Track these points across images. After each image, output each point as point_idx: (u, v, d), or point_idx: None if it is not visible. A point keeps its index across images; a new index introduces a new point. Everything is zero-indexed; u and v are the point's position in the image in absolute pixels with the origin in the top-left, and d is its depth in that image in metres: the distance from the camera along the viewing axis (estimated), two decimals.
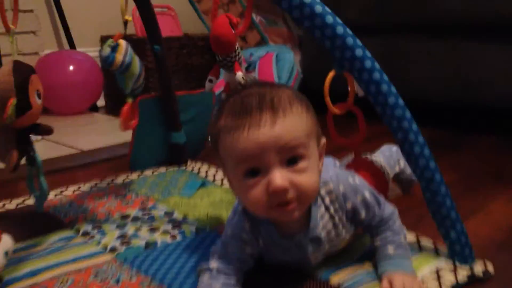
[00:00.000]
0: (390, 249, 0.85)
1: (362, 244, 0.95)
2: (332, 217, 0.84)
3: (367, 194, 0.85)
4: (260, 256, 0.87)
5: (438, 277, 0.84)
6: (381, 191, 0.89)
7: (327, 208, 0.84)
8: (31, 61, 2.35)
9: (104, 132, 2.09)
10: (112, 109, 2.55)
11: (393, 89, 0.85)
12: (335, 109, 0.90)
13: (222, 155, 0.78)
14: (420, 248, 0.96)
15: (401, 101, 0.85)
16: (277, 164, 0.72)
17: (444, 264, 0.89)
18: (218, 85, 1.98)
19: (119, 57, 1.19)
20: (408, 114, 0.85)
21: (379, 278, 0.84)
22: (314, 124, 0.78)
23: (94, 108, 2.54)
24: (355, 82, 0.85)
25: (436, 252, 0.93)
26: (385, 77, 0.84)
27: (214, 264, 0.83)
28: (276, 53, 2.43)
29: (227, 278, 0.81)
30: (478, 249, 0.91)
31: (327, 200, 0.84)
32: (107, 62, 1.19)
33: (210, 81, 1.27)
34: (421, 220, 1.13)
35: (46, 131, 1.04)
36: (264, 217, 0.80)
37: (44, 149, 1.85)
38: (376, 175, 0.96)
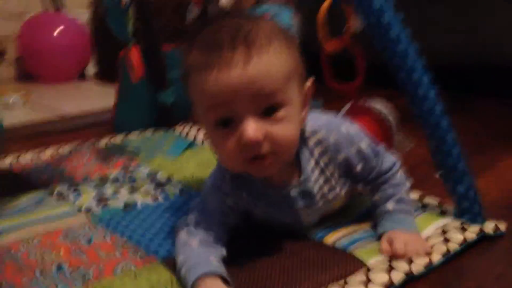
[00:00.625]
0: (390, 205, 0.76)
1: (361, 203, 0.86)
2: (322, 170, 0.75)
3: (363, 145, 0.75)
4: (246, 214, 0.78)
5: (445, 236, 0.75)
6: (384, 139, 0.79)
7: (317, 161, 0.74)
8: (15, 24, 2.25)
9: (91, 98, 2.00)
10: (103, 76, 2.44)
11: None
12: (329, 46, 0.80)
13: (192, 98, 0.68)
14: (424, 207, 0.87)
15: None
16: (251, 112, 0.63)
17: (451, 222, 0.80)
18: None
19: None
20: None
21: (378, 237, 0.76)
22: (297, 64, 0.67)
23: (83, 76, 2.44)
24: (353, 15, 0.75)
25: (442, 212, 0.85)
26: (390, 7, 0.74)
27: (192, 219, 0.74)
28: (273, 13, 2.31)
29: (205, 234, 0.72)
30: (488, 210, 0.82)
31: (316, 151, 0.74)
32: None
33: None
34: (425, 180, 1.05)
35: None
36: (240, 170, 0.69)
37: (26, 114, 1.76)
38: (376, 121, 0.86)
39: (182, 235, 0.73)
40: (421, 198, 0.89)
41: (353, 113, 0.86)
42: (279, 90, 0.63)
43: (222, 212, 0.75)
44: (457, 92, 1.87)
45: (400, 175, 0.78)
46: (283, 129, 0.64)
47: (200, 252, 0.69)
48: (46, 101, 1.90)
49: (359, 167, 0.76)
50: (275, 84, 0.63)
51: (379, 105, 0.90)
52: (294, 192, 0.74)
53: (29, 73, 2.29)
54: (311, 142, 0.74)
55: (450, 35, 1.85)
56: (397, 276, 0.66)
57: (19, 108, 1.82)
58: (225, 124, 0.64)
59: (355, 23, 0.81)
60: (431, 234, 0.77)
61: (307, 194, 0.75)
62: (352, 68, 0.89)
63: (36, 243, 0.79)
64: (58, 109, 1.78)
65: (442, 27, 1.86)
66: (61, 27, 2.20)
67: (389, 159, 0.78)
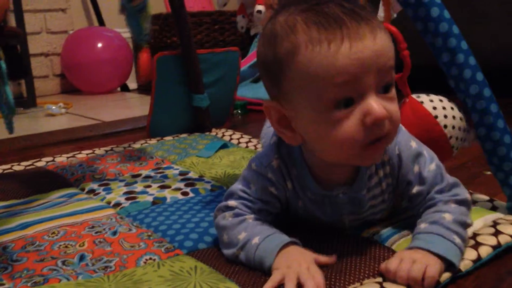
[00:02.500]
0: (422, 225, 0.64)
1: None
2: (380, 181, 0.69)
3: (428, 167, 0.67)
4: (286, 206, 0.73)
5: (496, 230, 0.67)
6: (434, 143, 0.72)
7: (376, 170, 0.68)
8: (60, 39, 2.32)
9: (131, 108, 2.02)
10: (145, 89, 2.48)
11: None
12: None
13: (296, 83, 0.59)
14: (473, 203, 0.79)
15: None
16: (373, 89, 0.58)
17: (502, 216, 0.72)
18: (245, 61, 1.86)
19: None
20: (457, 30, 0.70)
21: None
22: None
23: (125, 88, 2.48)
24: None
25: (494, 207, 0.77)
26: None
27: (234, 203, 0.69)
28: None
29: (255, 215, 0.68)
30: None
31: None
32: None
33: (259, 12, 1.14)
34: (475, 178, 0.97)
35: (11, 35, 0.91)
36: (344, 160, 0.62)
37: (67, 120, 1.79)
38: (423, 120, 0.79)
39: (230, 218, 0.68)
40: (470, 194, 0.82)
41: (403, 110, 0.79)
42: (393, 67, 0.60)
43: (263, 200, 0.70)
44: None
45: (456, 207, 0.65)
46: (396, 108, 0.60)
47: (265, 226, 0.67)
48: (87, 110, 1.94)
49: (415, 190, 0.68)
50: (393, 59, 0.59)
51: (434, 103, 0.82)
52: (343, 196, 0.68)
53: (73, 86, 2.35)
54: None
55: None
56: (444, 276, 0.59)
57: (61, 116, 1.86)
58: (346, 104, 0.58)
59: (392, 8, 0.76)
60: (480, 227, 0.69)
61: (356, 201, 0.69)
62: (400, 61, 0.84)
63: (61, 234, 0.77)
64: (97, 116, 1.80)
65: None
66: (103, 42, 2.25)
67: (457, 190, 0.67)
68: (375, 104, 0.57)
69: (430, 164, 0.68)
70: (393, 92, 0.60)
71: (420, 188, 0.67)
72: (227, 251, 0.67)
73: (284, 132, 0.65)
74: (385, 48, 0.58)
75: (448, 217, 0.63)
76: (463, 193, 0.66)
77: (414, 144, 0.69)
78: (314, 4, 0.59)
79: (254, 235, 0.65)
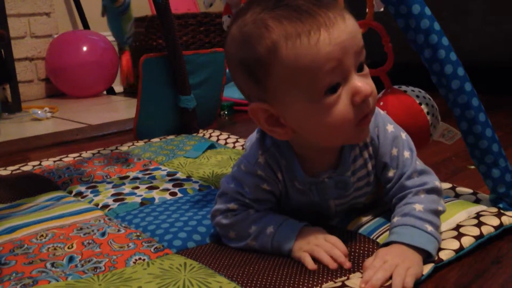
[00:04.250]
0: (395, 219, 0.66)
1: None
2: (365, 163, 0.71)
3: (404, 153, 0.69)
4: (278, 201, 0.74)
5: (479, 221, 0.69)
6: (417, 129, 0.74)
7: (361, 151, 0.70)
8: (45, 43, 2.30)
9: (117, 111, 2.01)
10: (130, 93, 2.47)
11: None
12: None
13: (283, 78, 0.60)
14: (457, 196, 0.81)
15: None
16: (354, 69, 0.61)
17: (486, 208, 0.74)
18: None
19: None
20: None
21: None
22: None
23: (111, 92, 2.47)
24: None
25: (477, 200, 0.79)
26: None
27: (233, 206, 0.71)
28: None
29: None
30: None
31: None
32: None
33: (229, 16, 1.15)
34: (458, 173, 0.99)
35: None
36: (341, 141, 0.66)
37: (53, 124, 1.78)
38: (410, 108, 0.81)
39: (232, 217, 0.70)
40: (453, 188, 0.83)
41: (386, 99, 0.81)
42: (363, 46, 0.62)
43: (259, 199, 0.71)
44: (491, 91, 1.80)
45: (425, 196, 0.67)
46: (372, 83, 0.63)
47: (273, 215, 0.70)
48: (73, 114, 1.93)
49: (391, 173, 0.70)
50: (362, 39, 0.62)
51: (415, 92, 0.84)
52: (328, 181, 0.70)
53: (58, 90, 2.34)
54: None
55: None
56: (425, 267, 0.60)
57: (46, 120, 1.85)
58: (333, 90, 0.60)
59: (375, 3, 0.77)
60: (463, 219, 0.71)
61: (341, 183, 0.70)
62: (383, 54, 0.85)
63: (49, 237, 0.77)
64: (84, 120, 1.79)
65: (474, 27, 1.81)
66: (88, 45, 2.24)
67: (425, 178, 0.69)
68: (360, 83, 0.60)
69: (406, 148, 0.70)
70: (366, 68, 0.63)
71: (394, 171, 0.69)
72: (236, 244, 0.70)
73: (274, 130, 0.65)
74: (356, 29, 0.61)
75: (418, 207, 0.65)
76: (431, 181, 0.68)
77: (391, 127, 0.71)
78: (278, 0, 0.60)
79: (266, 224, 0.68)
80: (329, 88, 0.59)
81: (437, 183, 0.68)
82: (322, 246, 0.64)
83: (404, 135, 0.71)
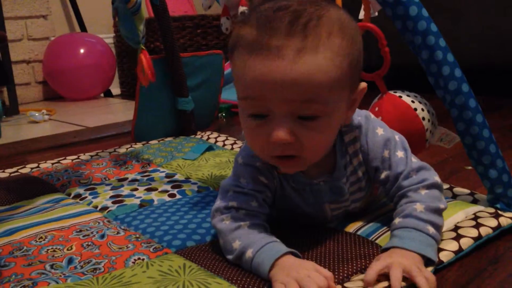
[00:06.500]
0: (397, 220, 0.65)
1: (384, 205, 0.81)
2: (355, 170, 0.71)
3: (396, 154, 0.68)
4: (273, 202, 0.73)
5: (477, 223, 0.69)
6: (414, 135, 0.74)
7: (350, 159, 0.70)
8: (42, 46, 2.30)
9: (115, 113, 2.01)
10: (128, 95, 2.47)
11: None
12: None
13: (233, 72, 0.63)
14: (454, 196, 0.81)
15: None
16: (286, 113, 0.58)
17: (483, 209, 0.74)
18: (229, 64, 1.86)
19: None
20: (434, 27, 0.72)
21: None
22: (354, 66, 0.60)
23: (108, 94, 2.47)
24: None
25: (475, 200, 0.79)
26: None
27: (232, 202, 0.69)
28: None
29: (253, 218, 0.67)
30: None
31: (350, 150, 0.70)
32: None
33: (243, 13, 1.15)
34: (456, 174, 0.99)
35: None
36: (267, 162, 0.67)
37: (51, 127, 1.78)
38: (405, 114, 0.81)
39: (227, 221, 0.68)
40: (450, 189, 0.84)
41: (381, 104, 0.81)
42: (320, 100, 0.57)
43: (256, 189, 0.69)
44: (490, 94, 1.81)
45: (426, 193, 0.66)
46: (314, 138, 0.60)
47: (260, 234, 0.64)
48: (71, 116, 1.93)
49: (383, 175, 0.69)
50: (318, 91, 0.57)
51: (411, 97, 0.85)
52: (324, 185, 0.70)
53: (56, 93, 2.33)
54: (347, 138, 0.70)
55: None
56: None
57: (44, 122, 1.85)
58: (258, 116, 0.60)
59: (372, 6, 0.78)
60: (461, 219, 0.71)
61: (337, 190, 0.70)
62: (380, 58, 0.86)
63: (48, 239, 0.77)
64: (81, 122, 1.79)
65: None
66: (85, 48, 2.24)
67: (424, 174, 0.68)
68: (276, 128, 0.58)
69: (399, 148, 0.69)
70: (314, 124, 0.59)
71: (387, 173, 0.69)
72: (225, 255, 0.67)
73: None
74: (307, 77, 0.56)
75: (419, 207, 0.64)
76: (431, 176, 0.67)
77: (381, 130, 0.70)
78: (282, 1, 0.59)
79: (248, 246, 0.63)
80: (251, 114, 0.61)
81: (436, 178, 0.68)
82: (301, 282, 0.56)
83: (397, 136, 0.71)
